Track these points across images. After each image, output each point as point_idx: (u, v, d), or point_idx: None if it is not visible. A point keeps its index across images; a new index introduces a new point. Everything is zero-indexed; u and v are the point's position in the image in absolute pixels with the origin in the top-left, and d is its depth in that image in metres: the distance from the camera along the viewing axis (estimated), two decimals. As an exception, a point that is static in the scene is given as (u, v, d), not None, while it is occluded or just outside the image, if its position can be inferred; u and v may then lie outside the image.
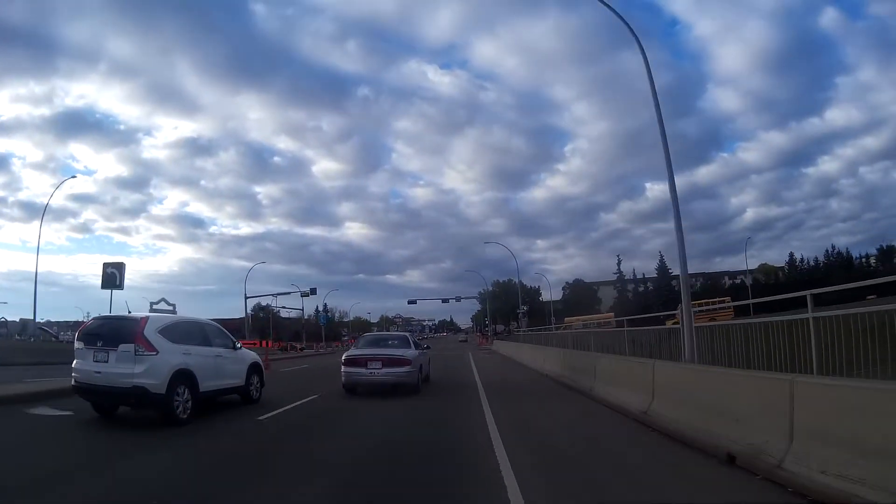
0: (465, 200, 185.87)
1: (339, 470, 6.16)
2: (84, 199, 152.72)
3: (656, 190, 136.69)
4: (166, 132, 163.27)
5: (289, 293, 67.22)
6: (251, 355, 12.32)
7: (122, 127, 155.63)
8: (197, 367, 9.57)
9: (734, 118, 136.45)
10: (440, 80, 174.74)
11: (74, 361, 9.21)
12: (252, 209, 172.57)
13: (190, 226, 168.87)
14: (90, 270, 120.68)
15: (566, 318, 56.62)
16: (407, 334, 17.13)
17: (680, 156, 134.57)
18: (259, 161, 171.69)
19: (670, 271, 74.39)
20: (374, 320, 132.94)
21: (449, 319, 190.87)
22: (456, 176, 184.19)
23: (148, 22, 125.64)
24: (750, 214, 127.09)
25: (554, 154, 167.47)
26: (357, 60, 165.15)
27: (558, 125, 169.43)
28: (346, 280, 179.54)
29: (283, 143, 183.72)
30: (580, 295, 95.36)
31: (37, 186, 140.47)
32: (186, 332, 10.02)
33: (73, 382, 9.15)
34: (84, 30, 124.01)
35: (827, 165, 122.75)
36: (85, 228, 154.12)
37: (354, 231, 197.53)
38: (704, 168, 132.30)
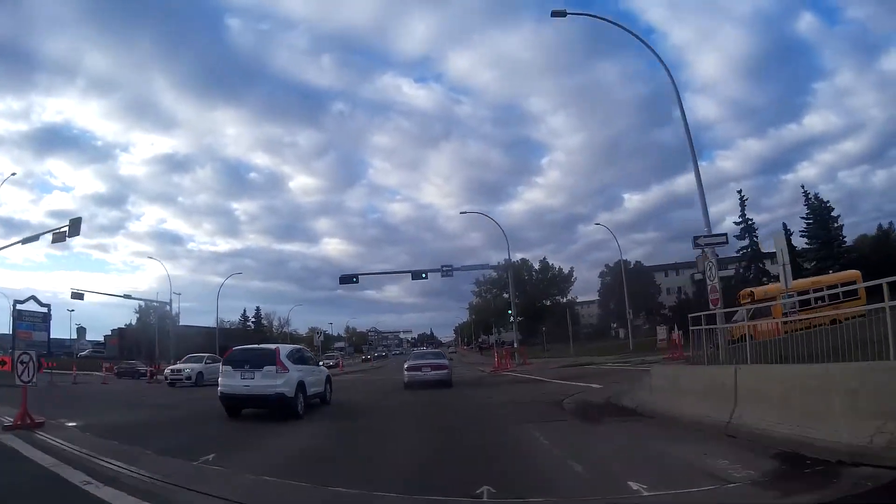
0: (444, 214, 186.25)
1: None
2: (62, 215, 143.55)
3: (634, 200, 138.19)
4: (143, 148, 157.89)
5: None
6: (326, 371, 17.77)
7: (99, 143, 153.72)
8: (306, 380, 14.05)
9: (712, 126, 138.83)
10: (415, 94, 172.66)
11: (221, 378, 13.66)
12: (230, 225, 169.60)
13: (168, 242, 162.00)
14: (69, 287, 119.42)
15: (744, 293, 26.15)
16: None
17: (658, 165, 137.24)
18: (236, 177, 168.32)
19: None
20: (337, 333, 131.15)
21: (429, 332, 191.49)
22: (433, 190, 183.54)
23: (125, 37, 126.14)
24: (729, 223, 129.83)
25: (531, 167, 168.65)
26: (331, 75, 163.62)
27: (535, 137, 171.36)
28: (327, 296, 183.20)
29: (260, 159, 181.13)
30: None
31: (14, 202, 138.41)
32: (297, 355, 14.87)
33: (219, 393, 13.45)
34: (62, 45, 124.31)
35: (806, 171, 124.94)
36: (63, 245, 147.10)
37: (333, 247, 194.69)
38: (683, 177, 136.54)
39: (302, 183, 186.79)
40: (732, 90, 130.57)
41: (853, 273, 22.08)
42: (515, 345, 39.27)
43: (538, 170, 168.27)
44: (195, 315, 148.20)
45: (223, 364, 14.23)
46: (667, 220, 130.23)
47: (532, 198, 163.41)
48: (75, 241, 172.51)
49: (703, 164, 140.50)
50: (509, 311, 40.59)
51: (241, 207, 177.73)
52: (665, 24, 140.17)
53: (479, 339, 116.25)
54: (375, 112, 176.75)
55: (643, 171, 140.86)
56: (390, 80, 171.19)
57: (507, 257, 41.80)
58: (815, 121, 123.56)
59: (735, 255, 58.77)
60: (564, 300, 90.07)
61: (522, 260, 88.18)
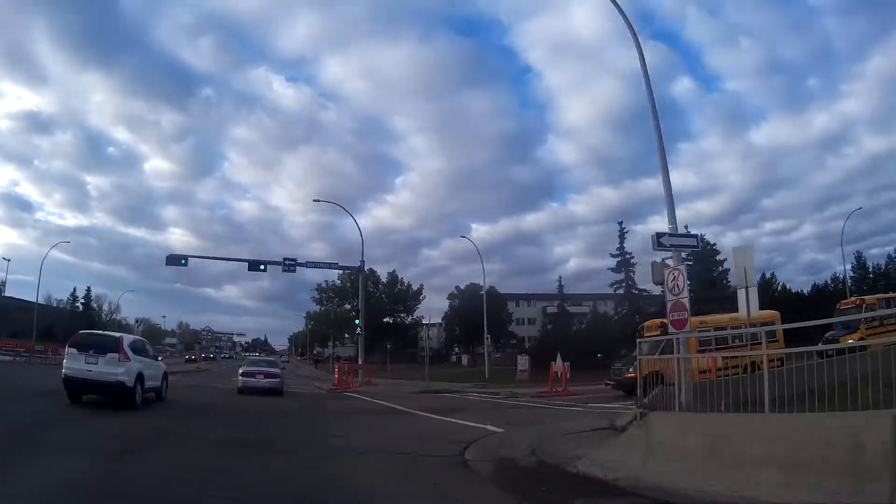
0: (290, 220, 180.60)
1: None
2: None
3: (482, 231, 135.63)
4: (10, 101, 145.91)
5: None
6: (164, 366, 17.27)
7: None
8: (145, 372, 13.93)
9: (569, 171, 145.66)
10: (284, 93, 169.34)
11: (66, 361, 13.02)
12: (80, 199, 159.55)
13: (17, 207, 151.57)
14: None
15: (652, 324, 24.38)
16: None
17: (510, 201, 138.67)
18: (94, 148, 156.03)
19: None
20: (169, 328, 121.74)
21: (263, 339, 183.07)
22: (284, 194, 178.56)
23: None
24: (573, 264, 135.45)
25: (385, 184, 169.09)
26: (207, 58, 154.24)
27: (394, 155, 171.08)
28: (165, 288, 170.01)
29: (121, 134, 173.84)
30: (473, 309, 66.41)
31: None
32: (140, 346, 14.76)
33: (63, 376, 12.89)
34: None
35: (656, 225, 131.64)
36: None
37: (178, 237, 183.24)
38: (533, 215, 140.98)
39: (157, 165, 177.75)
40: (596, 138, 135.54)
41: (772, 313, 19.44)
42: (360, 360, 33.20)
43: (391, 188, 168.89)
44: (28, 290, 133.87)
45: (69, 346, 13.55)
46: (511, 253, 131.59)
47: (380, 215, 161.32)
48: None
49: (553, 206, 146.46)
50: (356, 322, 34.88)
51: (94, 182, 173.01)
52: (542, 65, 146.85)
53: (315, 351, 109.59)
54: (241, 104, 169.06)
55: (495, 204, 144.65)
56: (262, 74, 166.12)
57: (362, 258, 35.30)
58: (673, 178, 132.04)
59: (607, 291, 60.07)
60: (410, 319, 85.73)
61: (370, 269, 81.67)
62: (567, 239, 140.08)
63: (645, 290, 57.70)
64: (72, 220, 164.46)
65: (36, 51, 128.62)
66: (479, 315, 59.30)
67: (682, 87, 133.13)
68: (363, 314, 35.37)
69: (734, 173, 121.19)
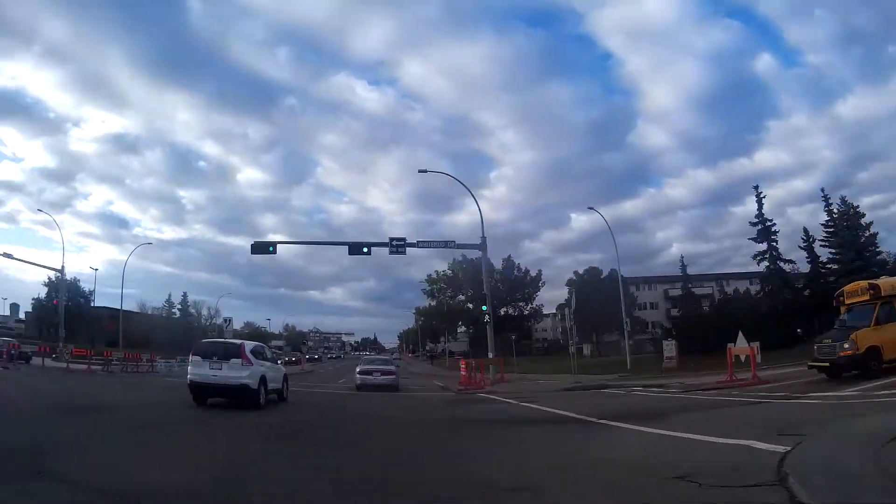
0: (389, 220, 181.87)
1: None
2: (11, 187, 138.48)
3: (581, 221, 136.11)
4: (94, 125, 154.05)
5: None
6: (284, 369, 18.25)
7: (51, 115, 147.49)
8: (267, 375, 14.99)
9: (662, 155, 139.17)
10: (368, 97, 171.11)
11: (190, 368, 14.27)
12: (176, 213, 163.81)
13: (114, 225, 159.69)
14: (11, 263, 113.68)
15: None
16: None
17: (607, 189, 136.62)
18: (184, 164, 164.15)
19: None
20: (275, 331, 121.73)
21: (373, 338, 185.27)
22: (380, 195, 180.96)
23: (85, 6, 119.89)
24: (675, 249, 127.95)
25: (479, 179, 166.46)
26: (286, 69, 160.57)
27: (485, 151, 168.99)
28: (268, 293, 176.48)
29: (209, 148, 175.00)
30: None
31: None
32: (260, 351, 15.78)
33: (189, 381, 14.08)
34: (20, 7, 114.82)
35: (754, 205, 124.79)
36: (10, 219, 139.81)
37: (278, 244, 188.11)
38: (631, 202, 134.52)
39: (250, 176, 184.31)
40: (685, 120, 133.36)
41: None
42: (491, 353, 28.48)
43: (486, 182, 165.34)
44: (127, 301, 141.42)
45: (192, 354, 14.57)
46: (611, 243, 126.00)
47: (478, 210, 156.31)
48: (22, 216, 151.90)
49: (650, 191, 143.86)
50: (483, 308, 30.16)
51: (188, 196, 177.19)
52: (622, 52, 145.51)
53: (427, 347, 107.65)
54: (327, 111, 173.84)
55: (591, 193, 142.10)
56: (344, 80, 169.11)
57: (482, 234, 30.49)
58: (766, 157, 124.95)
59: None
60: (529, 308, 79.31)
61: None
62: (667, 224, 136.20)
63: (791, 261, 49.80)
64: (170, 233, 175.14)
65: (115, 77, 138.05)
66: (602, 300, 53.70)
67: (764, 63, 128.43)
68: (490, 298, 30.45)
69: (826, 149, 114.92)
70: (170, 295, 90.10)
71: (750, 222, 51.06)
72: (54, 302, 53.56)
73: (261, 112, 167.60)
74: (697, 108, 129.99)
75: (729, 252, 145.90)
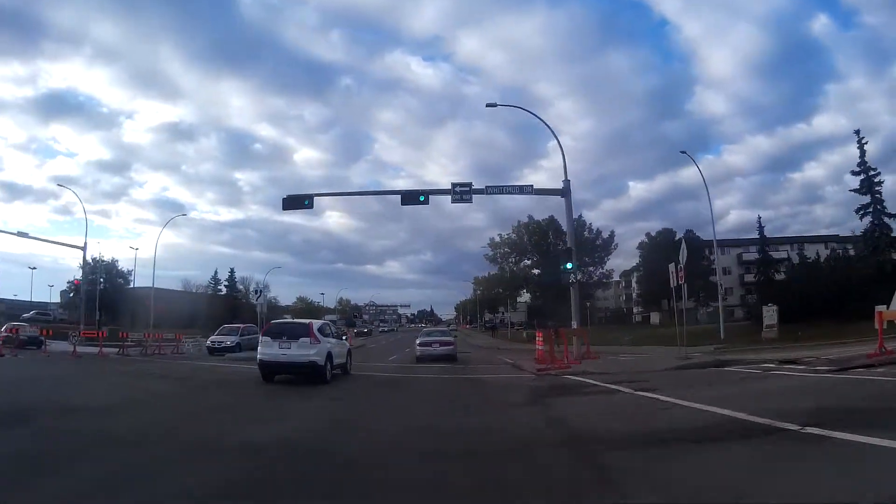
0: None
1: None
2: (65, 180, 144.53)
3: (639, 189, 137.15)
4: (148, 116, 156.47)
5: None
6: (348, 344, 19.31)
7: (104, 110, 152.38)
8: (332, 351, 15.54)
9: (721, 121, 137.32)
10: (423, 73, 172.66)
11: (260, 348, 14.95)
12: (232, 195, 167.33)
13: (170, 210, 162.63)
14: (69, 253, 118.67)
15: None
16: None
17: (664, 157, 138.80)
18: (240, 148, 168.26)
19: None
20: (329, 305, 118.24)
21: (429, 310, 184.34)
22: (438, 169, 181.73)
23: (133, 5, 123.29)
24: (733, 216, 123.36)
25: (537, 150, 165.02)
26: (340, 50, 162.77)
27: (542, 122, 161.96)
28: (325, 269, 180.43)
29: (265, 131, 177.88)
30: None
31: (18, 167, 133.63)
32: (327, 329, 16.57)
33: (259, 361, 14.89)
34: (70, 12, 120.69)
35: (813, 172, 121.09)
36: (66, 211, 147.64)
37: (335, 220, 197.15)
38: (689, 169, 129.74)
39: (306, 156, 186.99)
40: (743, 87, 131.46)
41: None
42: (575, 322, 23.13)
43: (544, 153, 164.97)
44: (175, 282, 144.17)
45: (262, 335, 15.59)
46: (671, 210, 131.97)
47: (537, 181, 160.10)
48: (77, 207, 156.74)
49: (709, 158, 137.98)
50: (568, 266, 23.15)
51: (245, 178, 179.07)
52: (678, 17, 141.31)
53: (486, 319, 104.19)
54: (382, 89, 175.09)
55: (649, 162, 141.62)
56: (399, 58, 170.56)
57: (565, 177, 24.57)
58: (824, 122, 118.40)
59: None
60: (600, 272, 70.79)
61: (550, 217, 66.76)
62: (726, 191, 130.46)
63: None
64: (227, 215, 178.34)
65: (168, 69, 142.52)
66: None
67: (820, 24, 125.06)
68: (574, 251, 23.76)
69: (885, 113, 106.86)
70: (216, 272, 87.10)
71: (851, 171, 44.54)
72: (75, 282, 51.69)
73: (316, 93, 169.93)
74: (754, 72, 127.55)
75: (786, 219, 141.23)
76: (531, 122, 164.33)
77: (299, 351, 14.32)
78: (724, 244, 75.45)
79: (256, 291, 56.92)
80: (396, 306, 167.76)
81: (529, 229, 68.40)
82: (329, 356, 14.97)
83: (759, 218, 63.49)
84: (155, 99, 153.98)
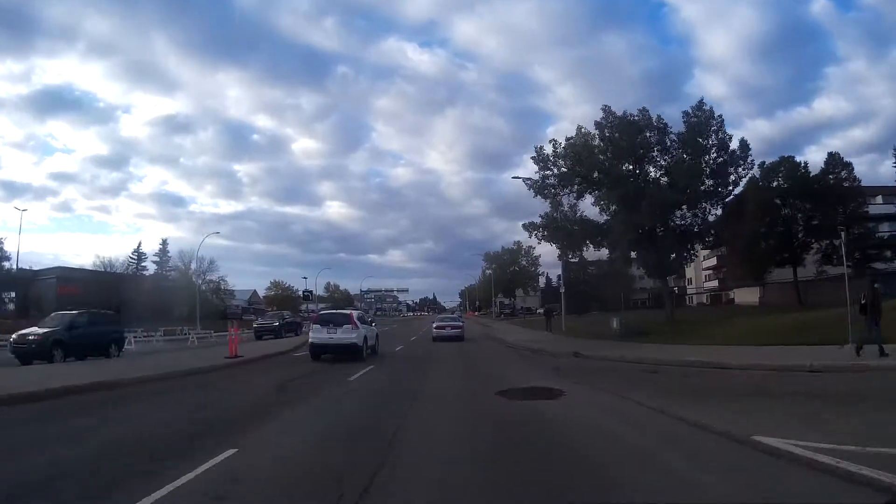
0: (446, 181, 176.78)
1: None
2: (64, 177, 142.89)
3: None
4: (145, 110, 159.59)
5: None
6: (376, 330, 23.23)
7: (100, 105, 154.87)
8: (367, 335, 19.98)
9: (720, 104, 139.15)
10: (420, 59, 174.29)
11: (311, 333, 19.66)
12: (232, 187, 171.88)
13: (170, 204, 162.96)
14: (70, 250, 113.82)
15: None
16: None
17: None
18: (238, 139, 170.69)
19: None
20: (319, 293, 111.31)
21: (432, 297, 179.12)
22: (437, 156, 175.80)
23: (125, 1, 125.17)
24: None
25: (536, 136, 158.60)
26: (335, 38, 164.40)
27: (541, 107, 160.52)
28: (327, 259, 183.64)
29: (262, 122, 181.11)
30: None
31: (15, 165, 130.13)
32: (363, 318, 21.82)
33: (309, 343, 19.34)
34: (62, 8, 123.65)
35: (813, 156, 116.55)
36: (65, 207, 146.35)
37: (335, 210, 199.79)
38: None
39: (304, 146, 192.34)
40: (742, 70, 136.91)
41: None
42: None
43: (543, 138, 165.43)
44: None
45: (313, 323, 20.72)
46: None
47: (536, 166, 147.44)
48: (77, 204, 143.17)
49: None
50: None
51: (244, 169, 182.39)
52: None
53: (506, 301, 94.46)
54: (379, 76, 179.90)
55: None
56: (394, 45, 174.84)
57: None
58: (825, 105, 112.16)
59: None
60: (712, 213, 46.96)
61: (643, 109, 36.93)
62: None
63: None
64: (226, 207, 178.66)
65: (163, 61, 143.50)
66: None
67: (819, 6, 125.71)
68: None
69: (886, 96, 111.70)
70: (139, 244, 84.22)
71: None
72: None
73: (313, 82, 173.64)
74: (754, 55, 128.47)
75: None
76: (530, 108, 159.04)
77: (343, 335, 18.58)
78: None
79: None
80: (392, 290, 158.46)
81: (610, 122, 34.96)
82: (365, 339, 19.37)
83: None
84: (151, 92, 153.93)
